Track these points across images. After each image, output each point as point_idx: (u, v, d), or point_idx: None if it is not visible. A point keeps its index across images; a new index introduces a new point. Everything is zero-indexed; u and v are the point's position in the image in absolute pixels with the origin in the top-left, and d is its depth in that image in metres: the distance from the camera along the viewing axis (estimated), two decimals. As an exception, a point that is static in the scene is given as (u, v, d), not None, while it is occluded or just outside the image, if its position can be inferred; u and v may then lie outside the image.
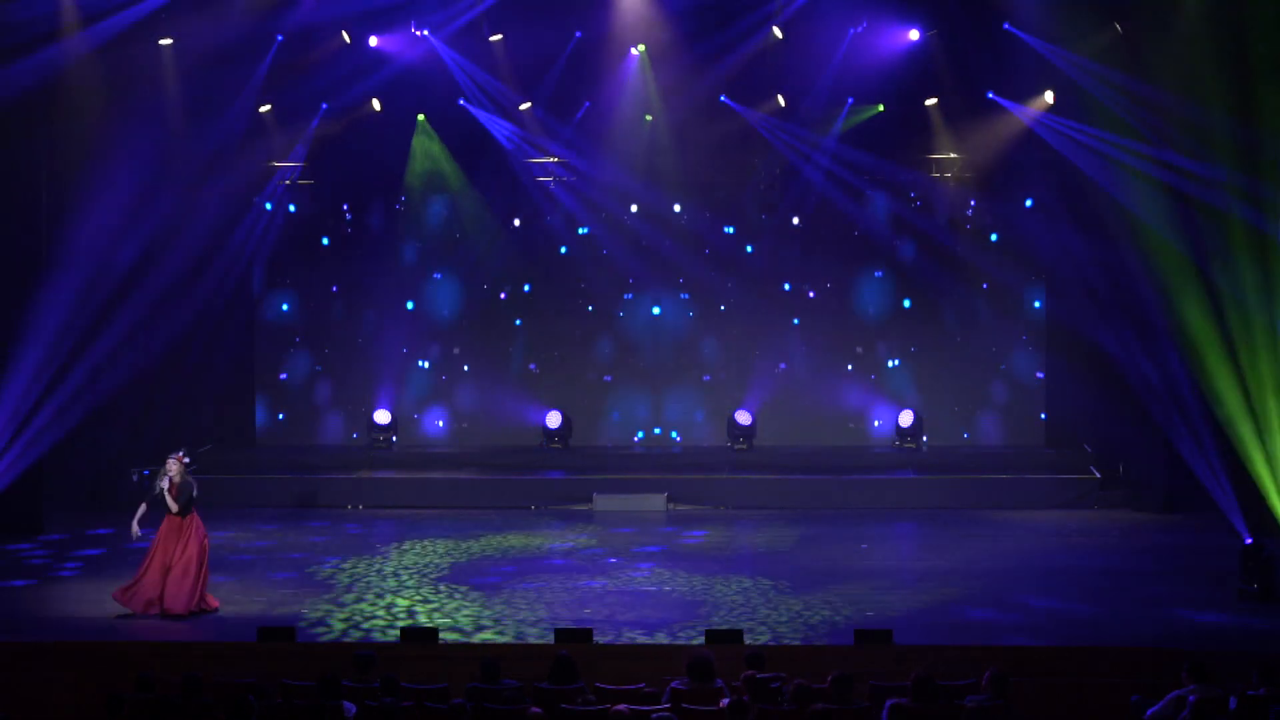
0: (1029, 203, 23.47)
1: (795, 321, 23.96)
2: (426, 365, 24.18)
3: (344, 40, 21.74)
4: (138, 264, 21.84)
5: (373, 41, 21.83)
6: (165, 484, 15.27)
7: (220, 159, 22.29)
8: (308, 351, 24.29)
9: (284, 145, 23.09)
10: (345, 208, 24.13)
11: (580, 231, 23.99)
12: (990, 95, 22.19)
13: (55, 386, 20.30)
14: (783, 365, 23.96)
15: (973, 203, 23.62)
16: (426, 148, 23.40)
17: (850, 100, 22.42)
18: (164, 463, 15.48)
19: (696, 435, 24.06)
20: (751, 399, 23.69)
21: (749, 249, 23.94)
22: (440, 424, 24.23)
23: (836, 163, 23.18)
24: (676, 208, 23.90)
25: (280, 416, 24.36)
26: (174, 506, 15.21)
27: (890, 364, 23.82)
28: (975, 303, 23.77)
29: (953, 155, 23.08)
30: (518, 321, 24.24)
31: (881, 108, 22.67)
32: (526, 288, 24.21)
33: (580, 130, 22.97)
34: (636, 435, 24.19)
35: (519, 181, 23.69)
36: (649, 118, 22.90)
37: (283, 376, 24.34)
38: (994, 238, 23.66)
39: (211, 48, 21.09)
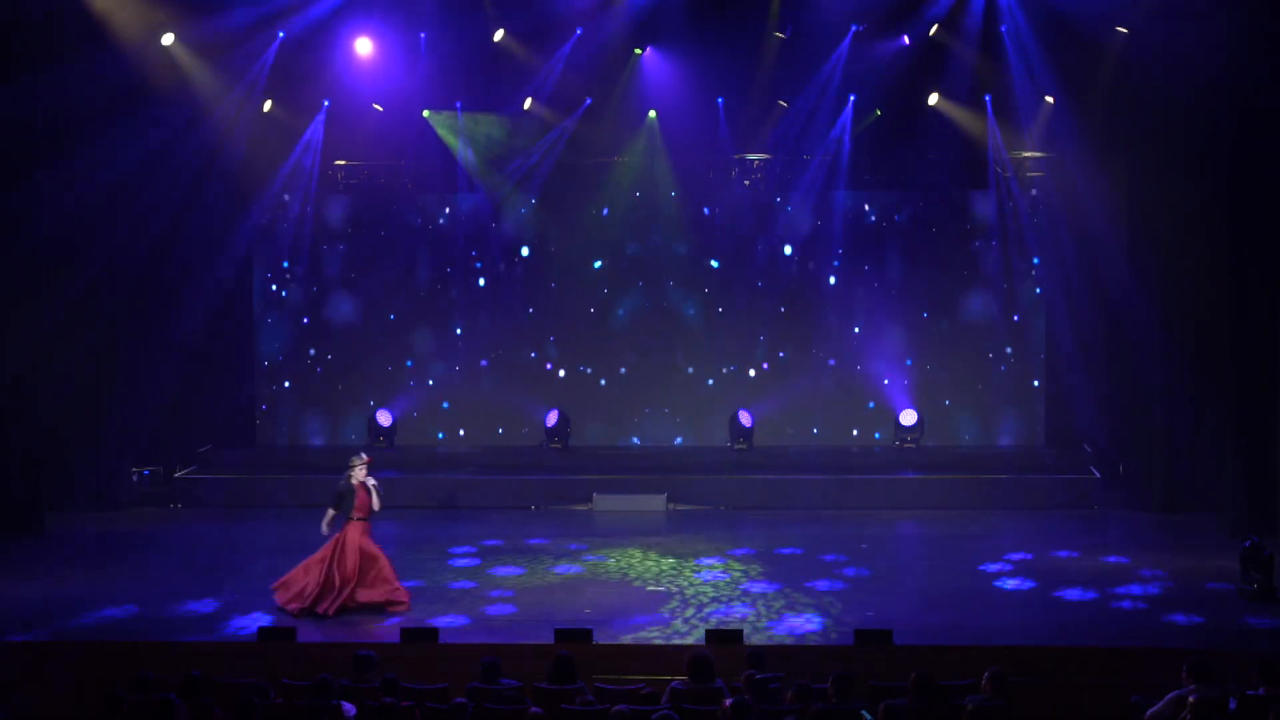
0: (1030, 201, 23.49)
1: (795, 322, 23.93)
2: (417, 364, 24.15)
3: (344, 41, 21.76)
4: (139, 262, 21.85)
5: (367, 48, 21.81)
6: (371, 481, 15.47)
7: (223, 156, 22.26)
8: (309, 351, 24.26)
9: (285, 143, 23.04)
10: (346, 206, 24.11)
11: (586, 230, 23.99)
12: (987, 98, 22.21)
13: (56, 385, 20.35)
14: (784, 366, 23.93)
15: (974, 201, 23.60)
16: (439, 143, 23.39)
17: (853, 97, 22.36)
18: (351, 465, 15.56)
19: (697, 435, 24.05)
20: (753, 399, 23.68)
21: (751, 248, 23.92)
22: (440, 433, 24.23)
23: (837, 163, 23.13)
24: (675, 197, 23.89)
25: (280, 416, 24.34)
26: (377, 504, 15.48)
27: (890, 362, 23.79)
28: (976, 302, 23.75)
29: (954, 154, 23.02)
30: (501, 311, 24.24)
31: (879, 113, 22.63)
32: (527, 288, 24.19)
33: (580, 127, 22.93)
34: (634, 437, 24.18)
35: (521, 179, 23.68)
36: (652, 114, 22.86)
37: (284, 378, 24.32)
38: (995, 236, 23.63)
39: (213, 44, 21.11)
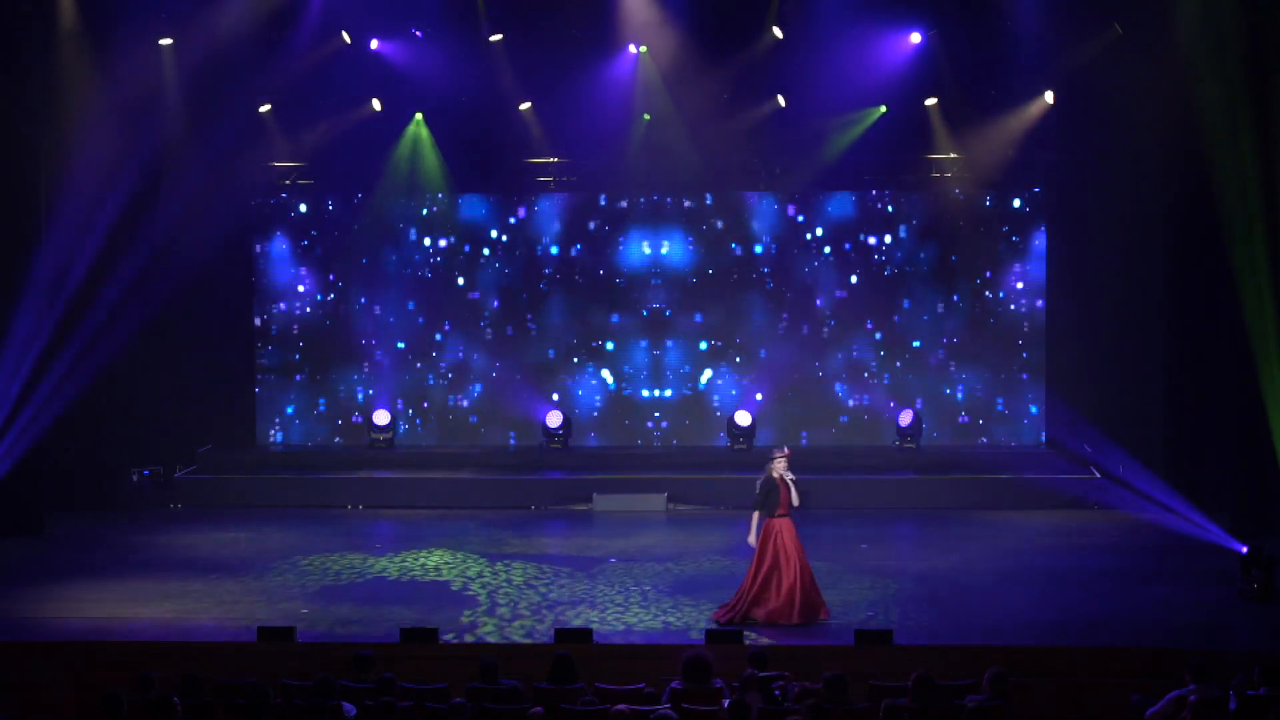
0: (1030, 201, 23.50)
1: (795, 322, 23.91)
2: (416, 364, 24.15)
3: (344, 40, 21.75)
4: (138, 263, 21.84)
5: (373, 44, 21.87)
6: (790, 476, 14.90)
7: (221, 158, 22.26)
8: (308, 351, 24.25)
9: (284, 144, 23.01)
10: (346, 207, 24.10)
11: (583, 231, 24.00)
12: (991, 95, 22.16)
13: (56, 385, 20.34)
14: (783, 365, 23.92)
15: (975, 200, 23.57)
16: (423, 147, 23.30)
17: (849, 98, 22.31)
18: (771, 459, 15.00)
19: (697, 435, 24.05)
20: (751, 400, 23.69)
21: (751, 248, 23.92)
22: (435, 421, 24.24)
23: (838, 160, 23.08)
24: (675, 201, 23.91)
25: (280, 416, 24.33)
26: (796, 500, 14.96)
27: (890, 363, 23.79)
28: (976, 302, 23.74)
29: (953, 155, 23.01)
30: (518, 323, 24.22)
31: (885, 109, 22.59)
32: (524, 288, 24.18)
33: (578, 128, 22.89)
34: (635, 438, 24.17)
35: (519, 180, 23.67)
36: (646, 116, 22.83)
37: (284, 378, 24.30)
38: (996, 235, 23.63)
39: (211, 47, 21.10)
